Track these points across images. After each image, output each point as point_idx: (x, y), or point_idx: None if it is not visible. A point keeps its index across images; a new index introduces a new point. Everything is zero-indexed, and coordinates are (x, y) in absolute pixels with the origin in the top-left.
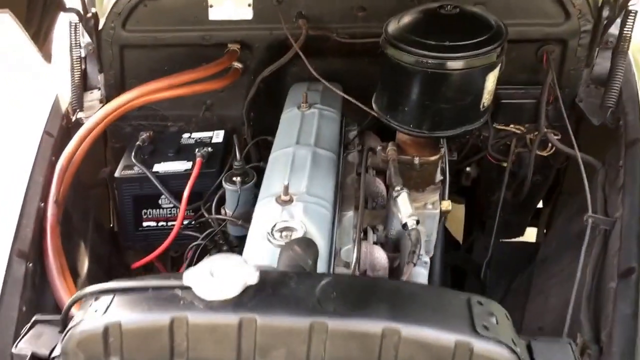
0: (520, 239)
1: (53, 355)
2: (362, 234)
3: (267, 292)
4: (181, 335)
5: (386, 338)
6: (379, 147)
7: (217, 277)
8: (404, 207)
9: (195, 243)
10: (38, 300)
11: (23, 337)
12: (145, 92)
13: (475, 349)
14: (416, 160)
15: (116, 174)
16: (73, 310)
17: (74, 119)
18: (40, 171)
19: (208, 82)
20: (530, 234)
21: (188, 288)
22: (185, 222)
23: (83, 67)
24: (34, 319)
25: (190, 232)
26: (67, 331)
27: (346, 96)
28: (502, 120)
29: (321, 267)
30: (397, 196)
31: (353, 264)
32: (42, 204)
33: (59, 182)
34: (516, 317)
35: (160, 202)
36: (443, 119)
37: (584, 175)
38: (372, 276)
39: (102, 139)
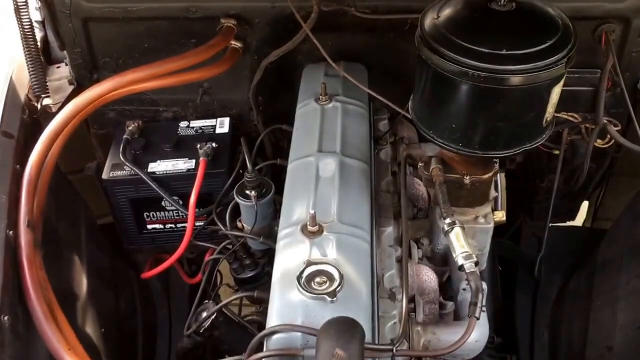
0: None
1: None
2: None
3: None
4: None
5: None
6: (420, 164)
7: None
8: (459, 246)
9: (213, 257)
10: (27, 352)
11: None
12: (124, 82)
13: None
14: (466, 179)
15: (104, 176)
16: None
17: (39, 107)
18: (2, 187)
19: (203, 69)
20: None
21: None
22: (198, 223)
23: (41, 34)
24: None
25: (205, 244)
26: None
27: (372, 93)
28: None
29: (364, 313)
30: (448, 230)
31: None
32: (11, 232)
33: (29, 197)
34: (580, 326)
35: (163, 204)
36: (498, 138)
37: None
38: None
39: (83, 123)
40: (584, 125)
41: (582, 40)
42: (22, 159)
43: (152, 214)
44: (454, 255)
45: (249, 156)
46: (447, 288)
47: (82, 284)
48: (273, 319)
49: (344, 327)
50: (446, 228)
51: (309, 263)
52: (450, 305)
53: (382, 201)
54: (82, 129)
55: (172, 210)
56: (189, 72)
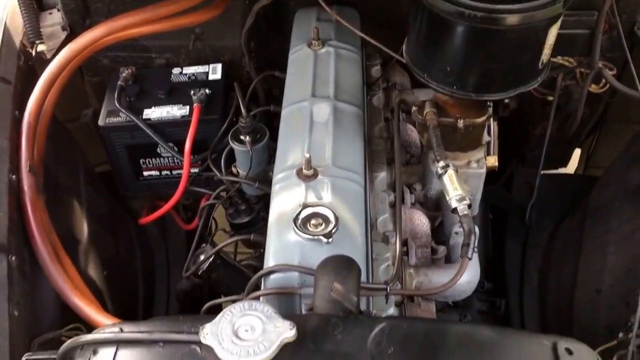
0: None
1: None
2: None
3: (308, 349)
4: None
5: None
6: (413, 108)
7: (244, 337)
8: (452, 189)
9: (209, 202)
10: (34, 293)
11: None
12: (117, 28)
13: None
14: (460, 123)
15: (100, 122)
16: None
17: (34, 53)
18: (3, 133)
19: (195, 14)
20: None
21: (204, 346)
22: (193, 170)
23: None
24: (24, 359)
25: (201, 190)
26: None
27: (366, 37)
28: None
29: (359, 253)
30: (442, 174)
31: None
32: (14, 176)
33: (29, 142)
34: (570, 271)
35: (159, 150)
36: (493, 80)
37: None
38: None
39: (77, 71)
40: (579, 70)
41: None
42: (21, 105)
43: (148, 161)
44: (447, 198)
45: (242, 101)
46: (439, 233)
47: (83, 229)
48: (270, 260)
49: (342, 264)
50: (439, 171)
51: (305, 205)
52: (442, 249)
53: (375, 147)
54: (76, 77)
55: (168, 157)
56: (181, 16)
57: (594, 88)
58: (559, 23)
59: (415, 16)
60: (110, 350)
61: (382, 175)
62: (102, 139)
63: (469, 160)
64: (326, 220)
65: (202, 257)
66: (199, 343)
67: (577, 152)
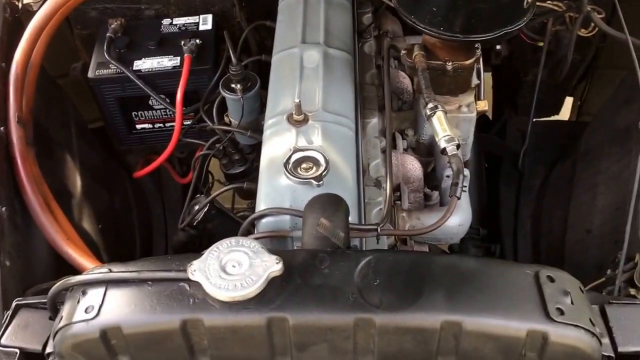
0: None
1: (47, 351)
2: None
3: (295, 283)
4: (198, 335)
5: (445, 331)
6: (403, 51)
7: (231, 272)
8: (441, 130)
9: (202, 153)
10: (26, 244)
11: (7, 327)
12: None
13: (551, 337)
14: (449, 65)
15: (90, 74)
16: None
17: (20, 5)
18: None
19: None
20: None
21: (193, 283)
22: (186, 122)
23: None
24: (14, 303)
25: (194, 140)
26: (58, 330)
27: None
28: None
29: (350, 196)
30: (431, 115)
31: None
32: (2, 128)
33: (17, 94)
34: (561, 213)
35: (151, 102)
36: (480, 19)
37: (637, 66)
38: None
39: (65, 24)
40: (568, 14)
41: None
42: (8, 57)
43: (140, 114)
44: (436, 139)
45: (233, 49)
46: (432, 179)
47: (76, 182)
48: (261, 204)
49: (329, 201)
50: (428, 112)
51: (295, 150)
52: (435, 195)
53: (367, 94)
54: (65, 31)
55: (160, 109)
56: None
57: (583, 32)
58: None
59: None
60: (100, 290)
61: (374, 121)
62: (92, 92)
63: (459, 104)
64: (317, 163)
65: (196, 207)
66: (187, 280)
67: (569, 100)
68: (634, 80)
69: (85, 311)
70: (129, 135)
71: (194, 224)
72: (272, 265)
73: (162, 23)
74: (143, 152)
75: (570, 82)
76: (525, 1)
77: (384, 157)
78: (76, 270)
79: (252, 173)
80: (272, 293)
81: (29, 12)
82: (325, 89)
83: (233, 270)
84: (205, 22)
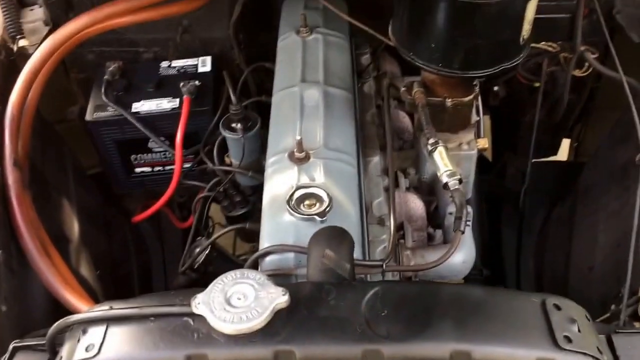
0: None
1: None
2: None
3: (301, 315)
4: None
5: None
6: (402, 88)
7: (236, 304)
8: (443, 165)
9: (203, 195)
10: (23, 289)
11: None
12: (99, 18)
13: None
14: (448, 102)
15: (87, 117)
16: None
17: (15, 48)
18: None
19: (180, 3)
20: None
21: (196, 317)
22: (186, 165)
23: None
24: (11, 346)
25: (194, 183)
26: None
27: (355, 22)
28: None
29: (354, 232)
30: (432, 151)
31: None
32: None
33: (12, 137)
34: (563, 252)
35: (150, 145)
36: (477, 56)
37: (632, 103)
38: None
39: (61, 68)
40: (563, 55)
41: None
42: (3, 100)
43: (140, 157)
44: (438, 174)
45: (232, 89)
46: (435, 218)
47: (74, 227)
48: (265, 241)
49: (334, 233)
50: (430, 148)
51: (298, 187)
52: (439, 234)
53: (367, 132)
54: (61, 75)
55: (160, 152)
56: (165, 5)
57: (578, 72)
58: None
59: None
60: (101, 328)
61: (376, 160)
62: (90, 135)
63: (460, 142)
64: (320, 200)
65: (197, 250)
66: (191, 314)
67: (566, 142)
68: (629, 117)
69: (86, 350)
70: (127, 179)
71: (195, 267)
72: (279, 297)
73: (160, 65)
74: (142, 197)
75: (568, 122)
76: (522, 38)
77: (387, 195)
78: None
79: (254, 215)
80: (278, 325)
81: (24, 55)
82: (326, 127)
83: (238, 302)
84: (205, 64)
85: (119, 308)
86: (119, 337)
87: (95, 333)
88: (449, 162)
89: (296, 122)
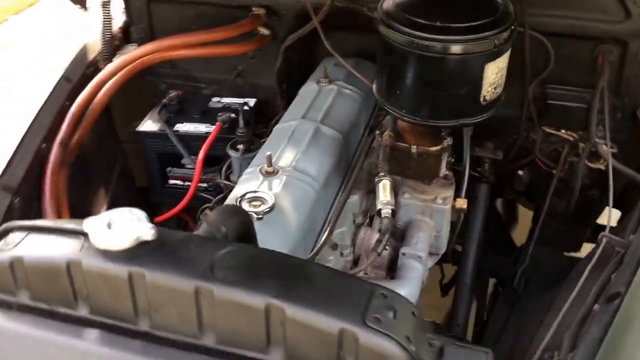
0: None
1: None
2: (366, 220)
3: (164, 250)
4: (79, 279)
5: (272, 314)
6: (376, 132)
7: (112, 227)
8: (382, 194)
9: (206, 206)
10: None
11: None
12: (161, 47)
13: (361, 340)
14: (413, 148)
15: (139, 128)
16: None
17: (102, 67)
18: (48, 114)
19: (230, 45)
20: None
21: (86, 235)
22: (205, 185)
23: (125, 19)
24: None
25: (206, 195)
26: None
27: (358, 75)
28: (550, 122)
29: (287, 238)
30: (378, 181)
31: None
32: (45, 145)
33: (69, 126)
34: (530, 334)
35: (183, 161)
36: (438, 107)
37: (612, 188)
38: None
39: (141, 93)
40: (581, 145)
41: (580, 59)
42: (73, 100)
43: (174, 170)
44: (376, 203)
45: (242, 115)
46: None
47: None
48: None
49: (231, 210)
50: (376, 179)
51: (252, 191)
52: None
53: (359, 176)
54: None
55: (191, 169)
56: (219, 45)
57: (598, 165)
58: (499, 62)
59: (377, 47)
60: (23, 233)
61: (355, 198)
62: (140, 142)
63: (435, 196)
64: (264, 202)
65: None
66: (81, 232)
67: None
68: None
69: (7, 245)
70: (162, 188)
71: None
72: (147, 231)
73: (211, 99)
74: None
75: (590, 217)
76: (482, 98)
77: (354, 229)
78: None
79: None
80: (141, 252)
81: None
82: (304, 154)
83: (116, 228)
84: (248, 104)
85: (42, 222)
86: (31, 241)
87: (18, 236)
88: (390, 196)
89: (280, 147)
